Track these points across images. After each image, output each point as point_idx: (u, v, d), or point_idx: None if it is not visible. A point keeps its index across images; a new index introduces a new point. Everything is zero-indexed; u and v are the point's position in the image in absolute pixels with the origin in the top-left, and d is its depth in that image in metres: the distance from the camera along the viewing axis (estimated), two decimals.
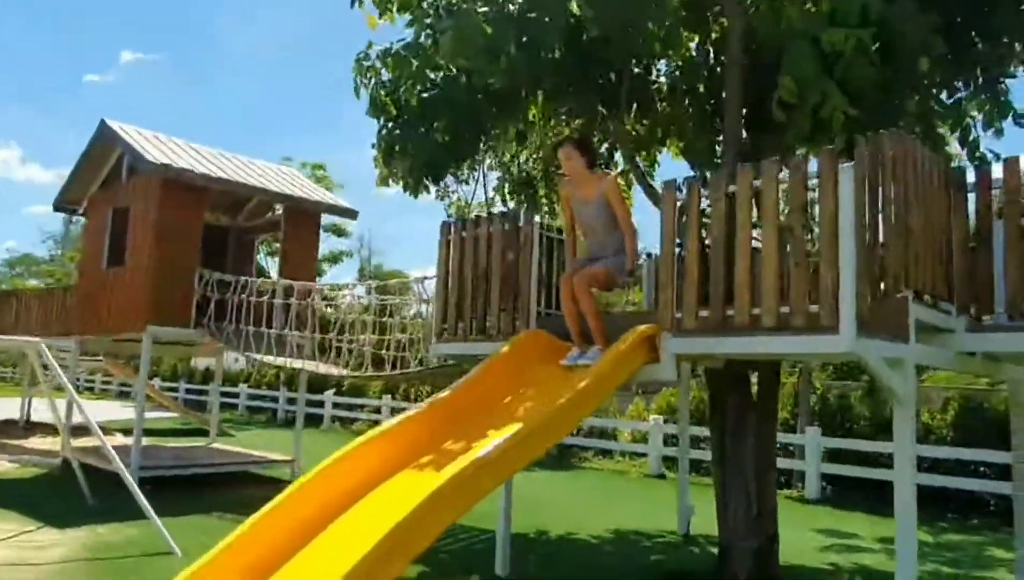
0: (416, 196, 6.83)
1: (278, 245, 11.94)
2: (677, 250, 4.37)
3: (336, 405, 20.74)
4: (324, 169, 25.06)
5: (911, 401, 4.02)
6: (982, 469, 10.09)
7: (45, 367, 7.45)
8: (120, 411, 20.24)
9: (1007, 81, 6.14)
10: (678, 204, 4.35)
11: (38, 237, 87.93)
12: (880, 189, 3.83)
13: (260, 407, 23.76)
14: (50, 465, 10.97)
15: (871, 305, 3.71)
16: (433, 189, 7.17)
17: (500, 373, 4.73)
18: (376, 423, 19.23)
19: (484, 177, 22.51)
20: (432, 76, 6.21)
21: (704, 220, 4.25)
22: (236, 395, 24.44)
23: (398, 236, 74.98)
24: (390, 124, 6.36)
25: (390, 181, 7.13)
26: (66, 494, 8.91)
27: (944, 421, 10.95)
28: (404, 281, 8.79)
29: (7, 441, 13.47)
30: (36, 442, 13.68)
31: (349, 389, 21.17)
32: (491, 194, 23.71)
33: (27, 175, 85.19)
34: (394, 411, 18.97)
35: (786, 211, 3.96)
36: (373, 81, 6.14)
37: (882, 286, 3.84)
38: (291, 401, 22.30)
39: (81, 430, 10.93)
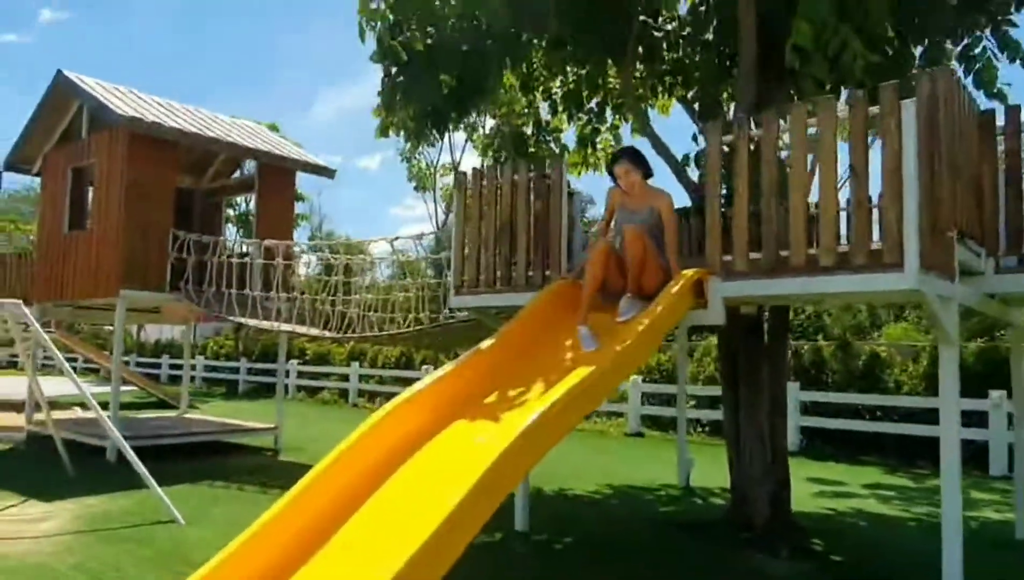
0: (418, 145, 6.62)
1: (231, 210, 11.45)
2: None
3: (300, 374, 20.30)
4: (279, 129, 24.12)
5: (957, 342, 4.06)
6: None
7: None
8: (69, 386, 19.33)
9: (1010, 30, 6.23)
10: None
11: None
12: (934, 126, 3.81)
13: (217, 379, 23.11)
14: (13, 440, 10.42)
15: (928, 243, 3.70)
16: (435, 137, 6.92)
17: (537, 323, 4.62)
18: (344, 391, 18.98)
19: (451, 139, 22.27)
20: (438, 15, 5.94)
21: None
22: (192, 367, 23.70)
23: (341, 204, 72.89)
24: (394, 70, 6.07)
25: (390, 132, 6.88)
26: (39, 467, 8.49)
27: (917, 372, 11.34)
28: (399, 237, 8.52)
29: None
30: None
31: (313, 357, 20.77)
32: (458, 156, 23.49)
33: None
34: (362, 378, 18.71)
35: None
36: (379, 25, 5.83)
37: (936, 225, 3.83)
38: (251, 371, 21.77)
39: (36, 406, 10.44)
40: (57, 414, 11.14)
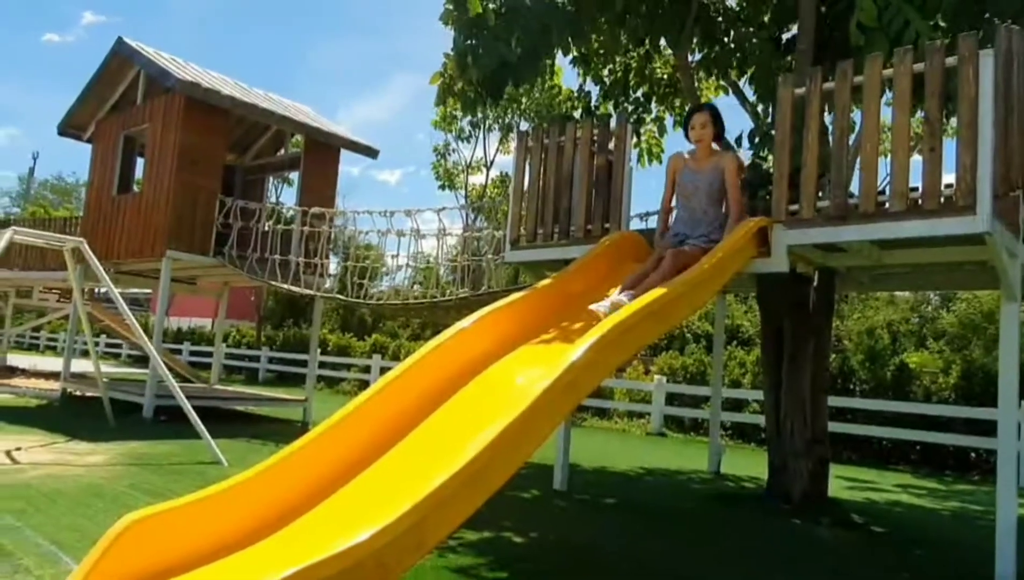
0: (474, 113, 6.75)
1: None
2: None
3: (322, 364, 20.39)
4: None
5: (1019, 298, 4.10)
6: (983, 428, 10.41)
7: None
8: (87, 365, 19.59)
9: None
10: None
11: None
12: (1008, 79, 3.87)
13: (238, 367, 23.25)
14: (49, 398, 10.59)
15: (999, 191, 3.75)
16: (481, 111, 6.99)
17: (598, 269, 4.68)
18: (365, 383, 19.06)
19: (486, 135, 22.47)
20: None
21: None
22: (211, 354, 23.87)
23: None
24: (464, 33, 6.23)
25: (447, 99, 7.02)
26: (78, 418, 8.62)
27: (947, 383, 11.28)
28: (445, 208, 8.62)
29: None
30: (22, 381, 13.18)
31: (335, 349, 20.90)
32: (492, 153, 23.64)
33: None
34: (383, 370, 18.76)
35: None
36: None
37: (1006, 177, 3.88)
38: (272, 360, 21.91)
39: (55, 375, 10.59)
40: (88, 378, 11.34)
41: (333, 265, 9.82)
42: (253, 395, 10.64)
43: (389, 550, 2.19)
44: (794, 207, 4.26)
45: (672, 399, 13.57)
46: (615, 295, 4.00)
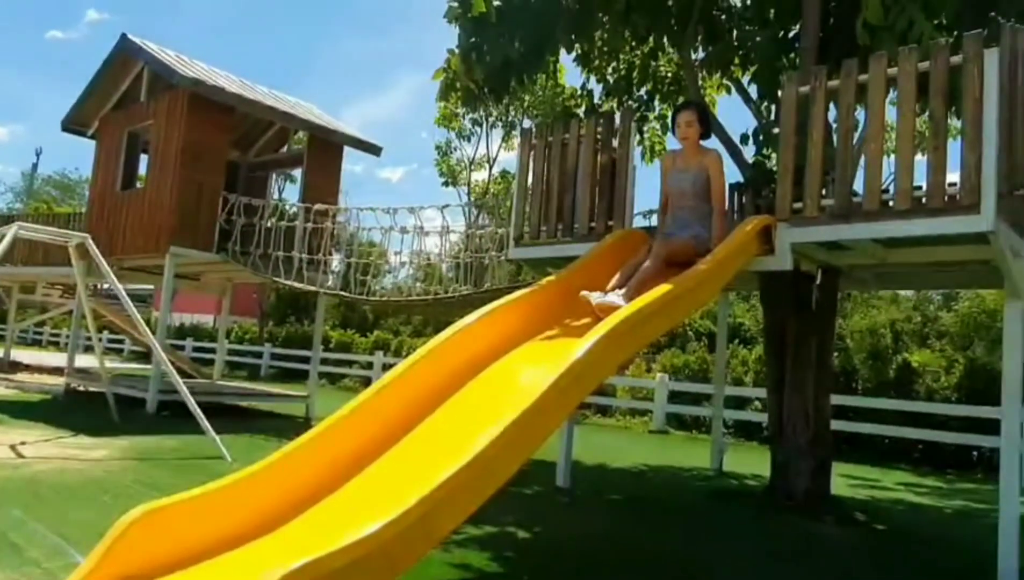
0: (476, 108, 6.79)
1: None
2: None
3: (324, 361, 20.40)
4: None
5: (1022, 300, 4.10)
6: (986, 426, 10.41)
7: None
8: (89, 360, 19.65)
9: None
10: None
11: None
12: (1014, 78, 3.88)
13: (240, 363, 23.27)
14: (52, 392, 10.63)
15: (1004, 190, 3.76)
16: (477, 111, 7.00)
17: (601, 266, 4.67)
18: (367, 380, 19.10)
19: (489, 132, 22.51)
20: None
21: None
22: (213, 351, 23.91)
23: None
24: (468, 31, 6.24)
25: (449, 95, 7.03)
26: (82, 413, 8.65)
27: (949, 382, 11.28)
28: (449, 205, 8.64)
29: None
30: (26, 376, 13.23)
31: (337, 345, 20.93)
32: (495, 150, 23.68)
33: None
34: (386, 367, 18.79)
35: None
36: None
37: (1011, 176, 3.89)
38: (274, 357, 21.95)
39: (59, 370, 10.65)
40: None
41: (336, 262, 9.80)
42: (256, 391, 10.67)
43: (398, 541, 2.21)
44: (798, 205, 4.27)
45: (674, 397, 13.59)
46: (609, 295, 4.01)
